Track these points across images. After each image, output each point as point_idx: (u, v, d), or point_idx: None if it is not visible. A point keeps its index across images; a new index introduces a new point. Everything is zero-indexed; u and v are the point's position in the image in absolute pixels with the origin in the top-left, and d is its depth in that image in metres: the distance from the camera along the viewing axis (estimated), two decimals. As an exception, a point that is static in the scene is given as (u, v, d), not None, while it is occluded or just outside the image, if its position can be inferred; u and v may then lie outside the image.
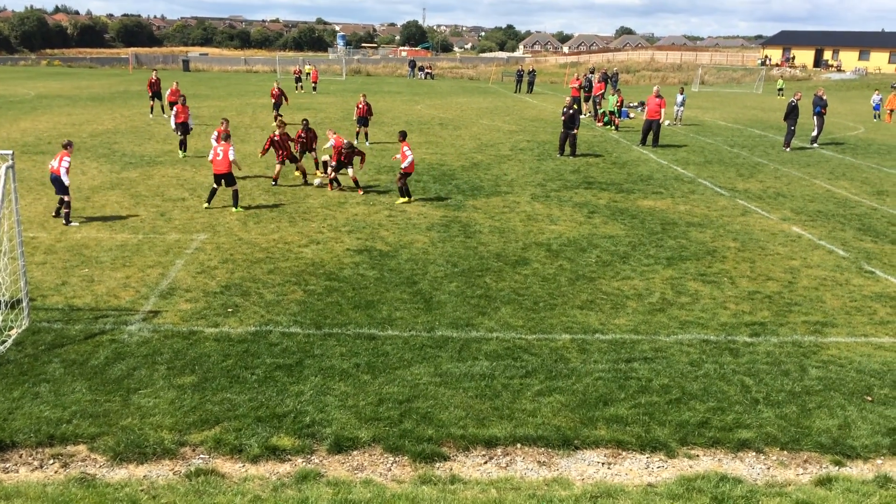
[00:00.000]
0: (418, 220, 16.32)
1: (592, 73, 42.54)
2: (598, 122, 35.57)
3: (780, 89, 60.62)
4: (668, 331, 10.63)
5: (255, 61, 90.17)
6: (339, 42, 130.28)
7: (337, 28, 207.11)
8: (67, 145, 15.77)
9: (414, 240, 14.84)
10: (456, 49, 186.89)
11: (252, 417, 7.93)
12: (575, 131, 25.21)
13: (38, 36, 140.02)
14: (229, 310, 10.98)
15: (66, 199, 15.23)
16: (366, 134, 27.48)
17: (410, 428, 7.83)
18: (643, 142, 28.41)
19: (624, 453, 7.59)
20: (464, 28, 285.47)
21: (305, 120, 21.37)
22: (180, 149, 23.95)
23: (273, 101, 34.02)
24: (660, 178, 22.02)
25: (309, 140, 20.68)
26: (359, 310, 11.11)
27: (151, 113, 34.38)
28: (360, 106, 27.29)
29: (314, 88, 49.56)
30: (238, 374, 8.94)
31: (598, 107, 36.75)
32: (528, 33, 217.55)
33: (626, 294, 12.07)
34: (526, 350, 9.86)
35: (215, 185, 16.96)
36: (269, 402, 8.27)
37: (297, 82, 51.19)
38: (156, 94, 34.60)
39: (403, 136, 18.10)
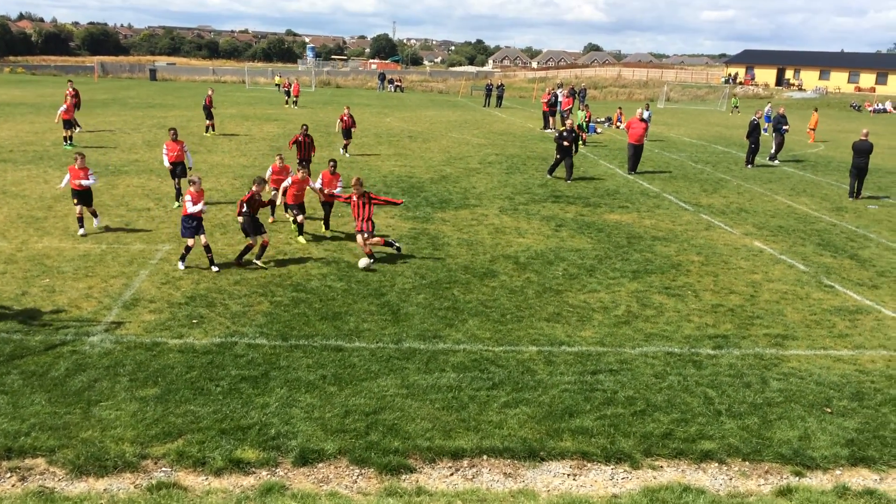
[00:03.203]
0: (386, 232, 16.30)
1: (560, 87, 42.98)
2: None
3: (736, 106, 61.77)
4: (633, 343, 10.74)
5: (224, 71, 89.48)
6: (309, 54, 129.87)
7: (307, 40, 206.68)
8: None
9: (381, 251, 14.81)
10: (426, 63, 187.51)
11: (216, 430, 7.83)
12: (574, 154, 24.32)
13: (0, 43, 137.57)
14: (194, 321, 10.85)
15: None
16: (345, 146, 27.37)
17: (376, 440, 7.80)
18: (633, 169, 25.94)
19: (589, 465, 7.64)
20: (434, 42, 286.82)
21: (305, 125, 21.51)
22: (177, 197, 18.21)
23: (208, 106, 31.82)
24: (626, 192, 22.29)
25: (306, 146, 20.92)
26: (326, 321, 11.05)
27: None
28: (345, 118, 27.20)
29: (295, 103, 48.88)
30: (202, 385, 8.83)
31: (565, 122, 37.10)
32: (498, 48, 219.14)
33: (592, 307, 12.18)
34: (493, 362, 9.89)
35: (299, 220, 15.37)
36: (233, 415, 8.18)
37: (287, 96, 50.15)
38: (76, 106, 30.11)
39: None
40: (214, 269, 13.18)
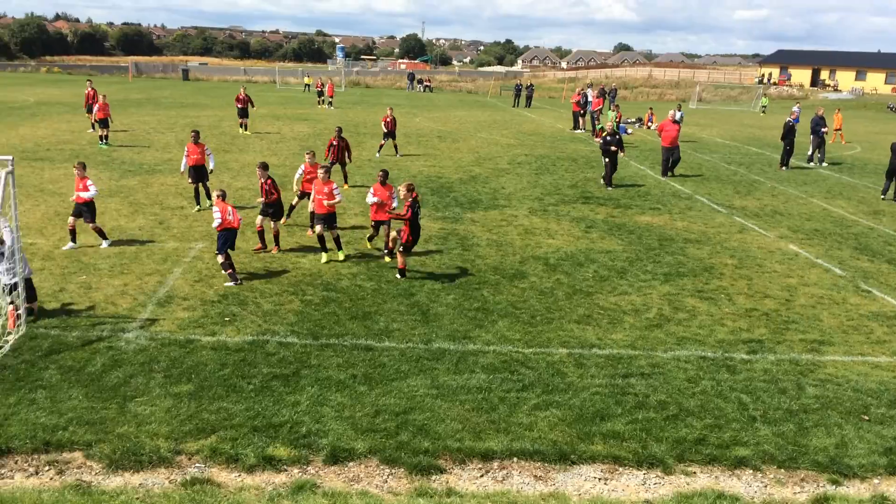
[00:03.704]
0: (416, 232, 16.31)
1: (590, 87, 42.72)
2: (597, 137, 35.70)
3: (764, 107, 60.85)
4: (665, 347, 10.64)
5: (255, 71, 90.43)
6: (339, 54, 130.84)
7: (336, 40, 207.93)
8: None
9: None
10: (455, 63, 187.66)
11: (248, 427, 7.90)
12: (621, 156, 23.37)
13: (38, 43, 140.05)
14: (226, 319, 10.96)
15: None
16: (395, 147, 27.40)
17: (407, 440, 7.81)
18: (666, 172, 25.30)
19: (621, 469, 7.58)
20: (463, 42, 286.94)
21: (339, 128, 21.32)
22: (196, 201, 17.81)
23: (239, 106, 32.64)
24: (657, 193, 22.09)
25: (340, 149, 20.65)
26: (356, 321, 11.10)
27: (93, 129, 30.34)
28: (387, 119, 27.19)
29: (329, 103, 48.67)
30: (235, 383, 8.92)
31: (596, 122, 36.91)
32: (527, 48, 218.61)
33: (623, 309, 12.09)
34: (523, 363, 9.86)
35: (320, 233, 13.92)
36: (265, 412, 8.25)
37: (319, 96, 50.11)
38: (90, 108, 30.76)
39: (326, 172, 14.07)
40: (231, 284, 12.41)
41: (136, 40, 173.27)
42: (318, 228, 13.74)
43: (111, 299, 11.54)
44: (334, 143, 20.69)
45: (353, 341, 10.34)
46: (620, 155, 23.15)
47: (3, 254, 10.03)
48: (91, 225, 14.22)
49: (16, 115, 35.50)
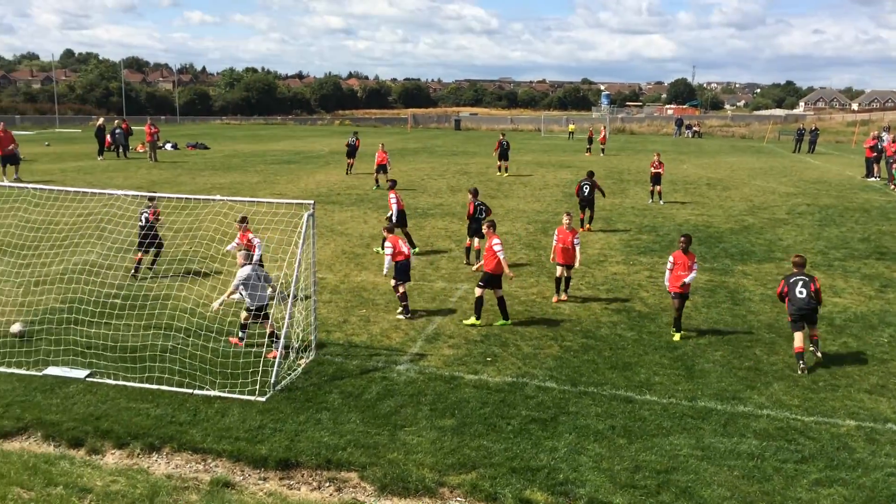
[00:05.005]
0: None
1: (887, 131, 38.29)
2: (893, 185, 31.84)
3: None
4: (983, 430, 9.05)
5: (521, 120, 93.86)
6: (603, 101, 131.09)
7: (602, 87, 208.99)
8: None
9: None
10: (727, 106, 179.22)
11: (507, 467, 8.04)
12: None
13: (332, 98, 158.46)
14: (488, 359, 11.32)
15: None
16: (659, 193, 26.96)
17: (669, 501, 7.43)
18: None
19: (924, 568, 6.54)
20: (736, 85, 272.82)
21: (475, 189, 17.47)
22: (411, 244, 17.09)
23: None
24: (972, 250, 19.06)
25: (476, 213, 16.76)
26: (615, 370, 10.88)
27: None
28: (655, 164, 26.77)
29: (602, 150, 48.45)
30: (495, 422, 9.14)
31: (892, 169, 32.94)
32: (811, 89, 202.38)
33: (927, 382, 10.52)
34: (802, 433, 8.95)
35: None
36: (523, 454, 8.34)
37: (588, 143, 49.34)
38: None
39: (491, 225, 13.17)
40: (402, 316, 13.09)
41: (414, 93, 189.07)
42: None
43: (386, 333, 12.47)
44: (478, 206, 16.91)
45: (613, 391, 10.13)
46: None
47: (267, 278, 11.34)
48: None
49: (313, 164, 40.15)
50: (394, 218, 17.63)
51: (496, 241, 12.67)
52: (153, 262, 15.70)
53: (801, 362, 10.88)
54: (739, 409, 9.60)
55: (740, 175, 36.40)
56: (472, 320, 12.92)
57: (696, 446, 8.59)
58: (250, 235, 13.83)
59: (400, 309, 13.33)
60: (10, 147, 29.92)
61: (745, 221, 23.09)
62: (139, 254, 15.13)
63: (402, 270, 13.18)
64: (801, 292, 11.12)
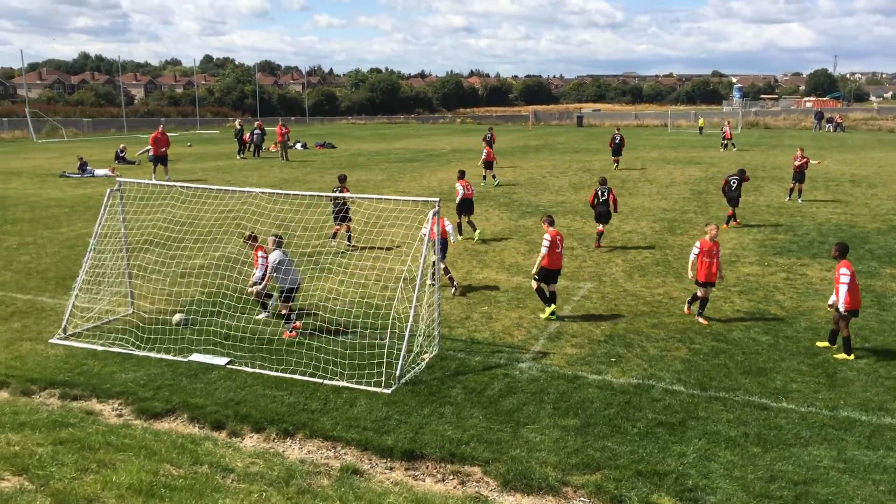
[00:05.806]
0: (820, 286, 14.82)
1: None
2: None
3: None
4: None
5: (645, 115, 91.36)
6: (735, 94, 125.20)
7: (734, 80, 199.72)
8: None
9: (814, 307, 13.50)
10: (872, 98, 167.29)
11: (632, 470, 7.88)
12: None
13: (454, 97, 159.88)
14: (612, 359, 11.12)
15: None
16: (799, 190, 25.58)
17: (807, 515, 7.06)
18: None
19: None
20: (883, 75, 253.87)
21: (603, 178, 19.50)
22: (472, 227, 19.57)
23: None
24: None
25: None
26: (749, 376, 10.42)
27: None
28: (798, 161, 25.45)
29: (733, 145, 46.44)
30: (619, 424, 8.98)
31: None
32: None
33: None
34: (959, 450, 8.26)
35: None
36: (649, 458, 8.15)
37: (723, 139, 47.32)
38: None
39: (550, 221, 13.37)
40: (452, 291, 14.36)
41: (536, 90, 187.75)
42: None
43: (508, 330, 12.49)
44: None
45: (746, 397, 9.71)
46: None
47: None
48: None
49: (435, 162, 40.71)
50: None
51: (547, 237, 12.90)
52: (349, 238, 18.26)
53: None
54: (886, 421, 8.98)
55: (888, 171, 33.92)
56: (548, 312, 12.97)
57: (837, 458, 8.10)
58: (260, 254, 12.77)
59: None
60: (163, 149, 32.06)
61: (893, 221, 21.51)
62: (336, 225, 17.90)
63: (442, 248, 13.56)
64: None
